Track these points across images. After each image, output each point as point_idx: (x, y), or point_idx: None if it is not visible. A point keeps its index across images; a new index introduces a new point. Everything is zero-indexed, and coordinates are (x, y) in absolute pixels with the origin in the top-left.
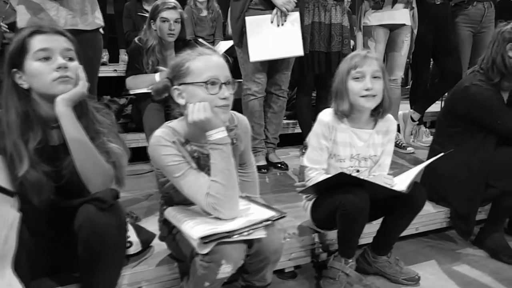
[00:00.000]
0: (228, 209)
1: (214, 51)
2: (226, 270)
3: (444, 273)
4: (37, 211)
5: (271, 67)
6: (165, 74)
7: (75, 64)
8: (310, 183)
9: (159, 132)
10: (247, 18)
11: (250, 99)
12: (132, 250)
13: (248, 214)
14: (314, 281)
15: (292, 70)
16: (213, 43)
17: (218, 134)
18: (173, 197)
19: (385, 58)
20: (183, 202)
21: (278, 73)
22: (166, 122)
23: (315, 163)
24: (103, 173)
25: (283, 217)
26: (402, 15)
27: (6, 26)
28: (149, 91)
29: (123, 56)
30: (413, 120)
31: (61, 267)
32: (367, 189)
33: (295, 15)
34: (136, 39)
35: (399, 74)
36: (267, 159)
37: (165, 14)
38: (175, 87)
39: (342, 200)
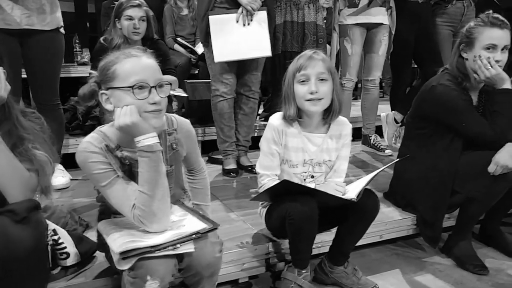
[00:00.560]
0: (155, 222)
1: (144, 52)
2: (152, 286)
3: (406, 283)
4: None
5: (240, 67)
6: None
7: None
8: (260, 190)
9: (88, 138)
10: (211, 17)
11: (218, 100)
12: (69, 262)
13: (180, 226)
14: None
15: (265, 71)
16: (194, 42)
17: (147, 140)
18: (109, 206)
19: (363, 58)
20: (119, 212)
21: (247, 74)
22: (99, 127)
23: (267, 169)
24: (22, 182)
25: (214, 229)
26: (378, 14)
27: None
28: None
29: None
30: (396, 122)
31: None
32: (316, 197)
33: (262, 14)
34: (101, 39)
35: (377, 74)
36: (238, 163)
37: (129, 12)
38: (102, 91)
39: (289, 209)
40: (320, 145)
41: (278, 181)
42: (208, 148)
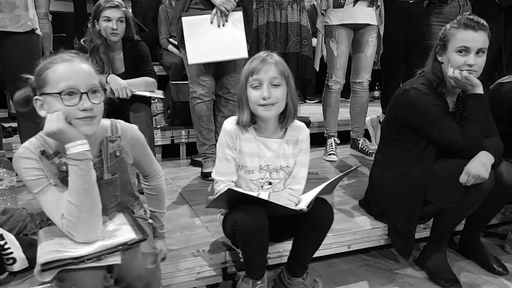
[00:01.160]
0: (82, 233)
1: (78, 56)
2: None
3: None
4: None
5: (217, 69)
6: (103, 79)
7: None
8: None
9: (26, 143)
10: (184, 19)
11: (196, 103)
12: (16, 267)
13: (111, 237)
14: None
15: None
16: None
17: (75, 148)
18: None
19: (351, 60)
20: None
21: (225, 76)
22: (40, 132)
23: (223, 175)
24: None
25: (143, 240)
26: (365, 14)
27: None
28: None
29: None
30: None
31: None
32: (269, 207)
33: (238, 15)
34: (81, 40)
35: (365, 76)
36: None
37: (107, 13)
38: (36, 97)
39: (236, 218)
40: (276, 150)
41: (235, 187)
42: (192, 150)
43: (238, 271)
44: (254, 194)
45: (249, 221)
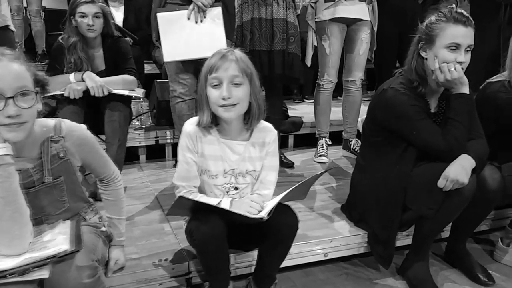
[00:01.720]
0: (5, 245)
1: (9, 53)
2: None
3: None
4: None
5: (198, 67)
6: (79, 75)
7: None
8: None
9: None
10: (159, 15)
11: (176, 102)
12: None
13: (42, 248)
14: None
15: None
16: None
17: None
18: None
19: (343, 57)
20: None
21: None
22: None
23: (184, 180)
24: None
25: (75, 252)
26: (358, 9)
27: None
28: (62, 92)
29: None
30: None
31: None
32: (228, 214)
33: (216, 11)
34: (59, 38)
35: (358, 75)
36: None
37: (83, 8)
38: None
39: (192, 227)
40: (241, 153)
41: (198, 194)
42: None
43: (203, 281)
44: (212, 201)
45: (205, 230)
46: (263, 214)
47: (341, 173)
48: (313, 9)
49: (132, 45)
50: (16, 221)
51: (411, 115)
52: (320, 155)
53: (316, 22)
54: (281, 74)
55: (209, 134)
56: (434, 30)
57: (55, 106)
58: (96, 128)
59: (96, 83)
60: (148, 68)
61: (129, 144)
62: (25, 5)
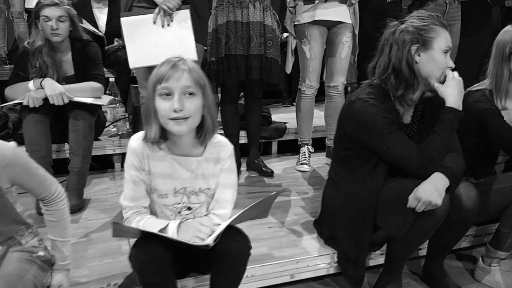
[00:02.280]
0: None
1: None
2: None
3: None
4: None
5: None
6: (38, 83)
7: None
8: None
9: None
10: (123, 19)
11: None
12: None
13: None
14: None
15: (208, 77)
16: None
17: None
18: None
19: (325, 61)
20: None
21: None
22: None
23: (131, 200)
24: None
25: None
26: (338, 12)
27: None
28: (21, 101)
29: None
30: None
31: None
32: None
33: (184, 13)
34: (25, 42)
35: (340, 80)
36: None
37: (46, 11)
38: None
39: (131, 254)
40: (194, 170)
41: (146, 214)
42: None
43: None
44: (156, 224)
45: (144, 259)
46: (210, 240)
47: (320, 183)
48: (292, 14)
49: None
50: None
51: (380, 128)
52: (301, 163)
53: (295, 25)
54: (259, 79)
55: (157, 150)
56: (430, 32)
57: None
58: (64, 137)
59: (55, 91)
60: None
61: (103, 152)
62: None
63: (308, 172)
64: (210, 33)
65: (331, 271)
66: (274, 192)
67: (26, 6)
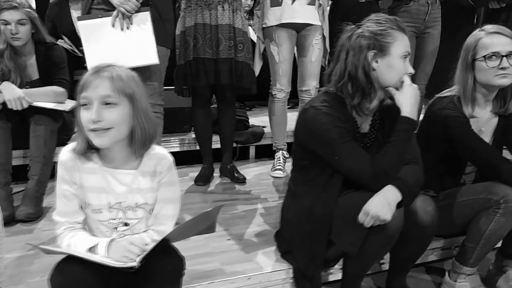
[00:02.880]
0: None
1: None
2: None
3: None
4: None
5: None
6: None
7: None
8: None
9: None
10: (79, 23)
11: None
12: None
13: None
14: None
15: (177, 80)
16: None
17: None
18: None
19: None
20: None
21: None
22: None
23: (63, 215)
24: None
25: None
26: (306, 13)
27: None
28: None
29: None
30: None
31: None
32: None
33: (144, 16)
34: None
35: (311, 84)
36: None
37: (4, 15)
38: None
39: (50, 275)
40: (129, 184)
41: (80, 230)
42: None
43: None
44: (84, 243)
45: (60, 281)
46: (136, 261)
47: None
48: (259, 18)
49: None
50: None
51: (332, 138)
52: (276, 169)
53: (263, 28)
54: (229, 84)
55: (88, 162)
56: (387, 37)
57: None
58: (27, 142)
59: (13, 95)
60: None
61: None
62: None
63: (283, 178)
64: (178, 35)
65: (286, 287)
66: (208, 210)
67: None
